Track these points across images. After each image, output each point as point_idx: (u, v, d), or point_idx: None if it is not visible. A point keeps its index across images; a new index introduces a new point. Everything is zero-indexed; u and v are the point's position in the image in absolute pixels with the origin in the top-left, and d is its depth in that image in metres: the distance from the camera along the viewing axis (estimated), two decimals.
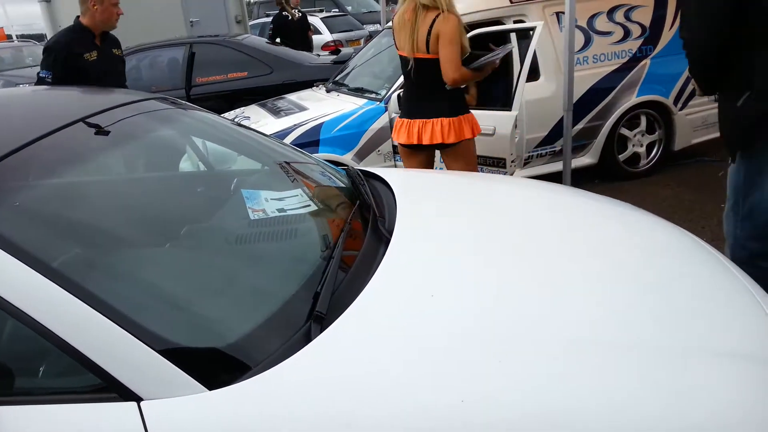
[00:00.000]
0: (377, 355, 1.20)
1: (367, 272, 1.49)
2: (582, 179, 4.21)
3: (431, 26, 2.79)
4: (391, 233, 1.70)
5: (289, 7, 8.18)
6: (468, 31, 3.83)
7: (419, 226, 1.81)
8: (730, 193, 2.19)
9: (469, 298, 1.42)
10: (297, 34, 8.01)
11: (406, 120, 3.05)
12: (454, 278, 1.51)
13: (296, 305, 1.36)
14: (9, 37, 18.55)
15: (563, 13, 3.63)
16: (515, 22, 4.16)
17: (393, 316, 1.33)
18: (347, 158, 3.96)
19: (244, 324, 1.27)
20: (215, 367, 1.18)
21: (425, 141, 2.96)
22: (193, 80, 5.97)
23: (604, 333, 1.30)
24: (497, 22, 4.14)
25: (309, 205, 1.97)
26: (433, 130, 2.94)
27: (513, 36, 4.05)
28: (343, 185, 2.15)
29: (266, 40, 7.65)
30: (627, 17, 4.44)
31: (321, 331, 1.25)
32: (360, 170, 2.30)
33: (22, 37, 19.93)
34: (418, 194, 2.14)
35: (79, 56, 3.48)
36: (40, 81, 3.46)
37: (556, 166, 4.24)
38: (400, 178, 2.27)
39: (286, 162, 2.32)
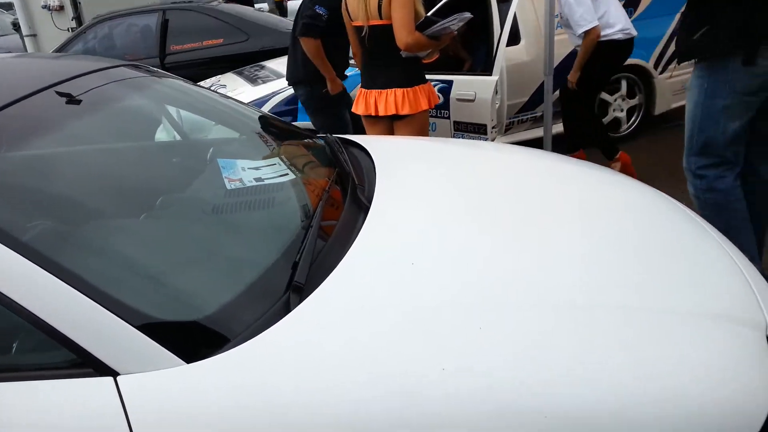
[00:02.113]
0: (357, 325, 1.19)
1: (346, 241, 1.47)
2: (563, 145, 4.21)
3: None
4: (370, 201, 1.68)
5: None
6: None
7: (399, 194, 1.79)
8: (687, 129, 2.38)
9: (449, 265, 1.41)
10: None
11: (363, 90, 3.02)
12: (435, 245, 1.50)
13: (275, 276, 1.34)
14: None
15: None
16: None
17: (373, 285, 1.32)
18: None
19: (221, 296, 1.25)
20: (193, 339, 1.16)
21: (381, 112, 2.94)
22: (167, 48, 5.83)
23: (589, 298, 1.29)
24: None
25: (287, 174, 1.94)
26: (387, 101, 2.91)
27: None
28: (322, 153, 2.12)
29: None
30: None
31: (300, 302, 1.23)
32: (339, 138, 2.26)
33: None
34: (397, 161, 2.11)
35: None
36: (314, 17, 3.30)
37: (537, 132, 4.22)
38: (380, 145, 2.24)
39: (263, 130, 2.28)
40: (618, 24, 3.68)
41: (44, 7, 8.05)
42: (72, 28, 7.72)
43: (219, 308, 1.21)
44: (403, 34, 2.74)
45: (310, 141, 2.25)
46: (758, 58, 2.12)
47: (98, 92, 1.83)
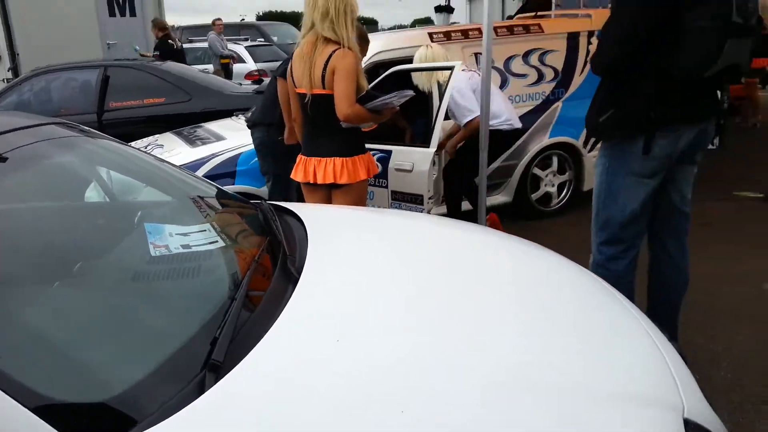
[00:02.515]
0: (273, 409, 1.14)
1: (271, 315, 1.43)
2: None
3: (327, 61, 2.78)
4: (300, 272, 1.65)
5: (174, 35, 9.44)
6: (386, 69, 3.88)
7: (330, 265, 1.77)
8: (593, 205, 2.53)
9: (377, 342, 1.38)
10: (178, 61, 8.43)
11: (303, 157, 3.03)
12: (363, 320, 1.47)
13: (192, 352, 1.28)
14: None
15: (481, 53, 3.74)
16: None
17: (294, 365, 1.27)
18: (264, 191, 3.88)
19: (131, 374, 1.17)
20: (94, 423, 1.08)
21: (319, 180, 2.94)
22: (106, 104, 5.74)
23: (517, 378, 1.29)
24: None
25: (216, 242, 1.88)
26: (326, 169, 2.92)
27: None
28: (255, 221, 2.09)
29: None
30: (541, 61, 4.63)
31: (216, 382, 1.17)
32: (273, 205, 2.24)
33: None
34: (331, 231, 2.09)
35: None
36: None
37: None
38: (314, 214, 2.22)
39: (195, 195, 2.23)
40: (503, 116, 3.98)
41: None
42: (8, 80, 7.54)
43: (126, 388, 1.13)
44: (344, 106, 2.77)
45: (244, 208, 2.21)
46: (654, 145, 2.26)
47: (24, 150, 1.76)
